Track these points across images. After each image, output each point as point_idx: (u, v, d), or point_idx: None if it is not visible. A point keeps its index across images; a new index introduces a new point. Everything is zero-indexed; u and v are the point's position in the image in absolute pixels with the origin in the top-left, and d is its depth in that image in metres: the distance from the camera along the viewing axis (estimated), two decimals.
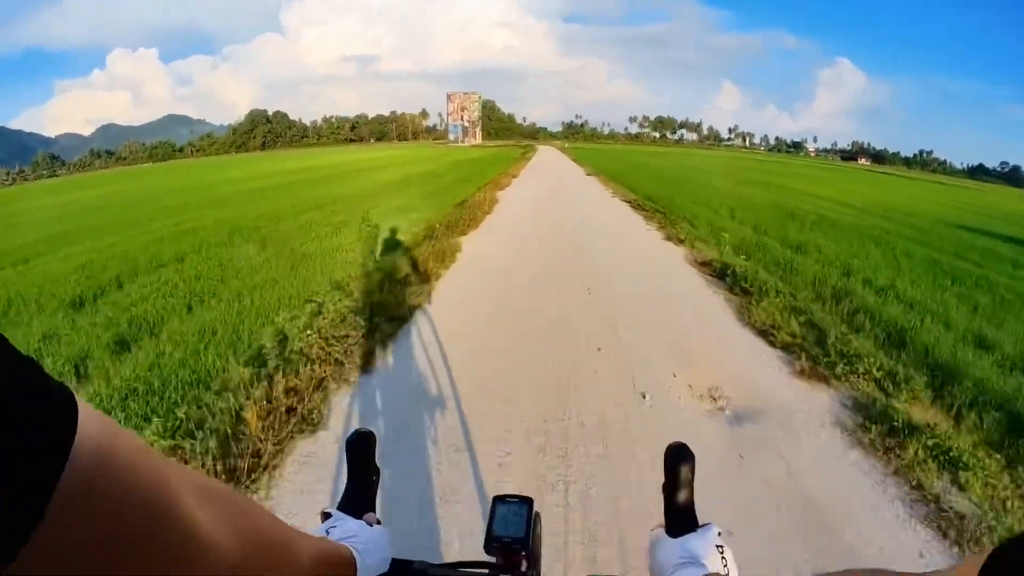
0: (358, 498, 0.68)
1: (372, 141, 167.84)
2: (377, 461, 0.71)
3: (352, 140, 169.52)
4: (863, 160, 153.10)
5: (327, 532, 0.60)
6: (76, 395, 0.24)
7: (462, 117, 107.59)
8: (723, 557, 0.58)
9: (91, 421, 0.24)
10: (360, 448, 0.70)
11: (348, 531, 0.60)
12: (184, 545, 0.29)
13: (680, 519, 0.62)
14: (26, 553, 0.21)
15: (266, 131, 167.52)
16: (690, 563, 0.57)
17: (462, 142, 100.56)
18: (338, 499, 0.68)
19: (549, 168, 26.80)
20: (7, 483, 0.20)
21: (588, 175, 20.21)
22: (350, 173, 23.58)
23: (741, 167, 37.75)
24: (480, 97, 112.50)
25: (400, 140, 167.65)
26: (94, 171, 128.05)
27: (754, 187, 18.57)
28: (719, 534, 0.61)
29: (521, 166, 26.23)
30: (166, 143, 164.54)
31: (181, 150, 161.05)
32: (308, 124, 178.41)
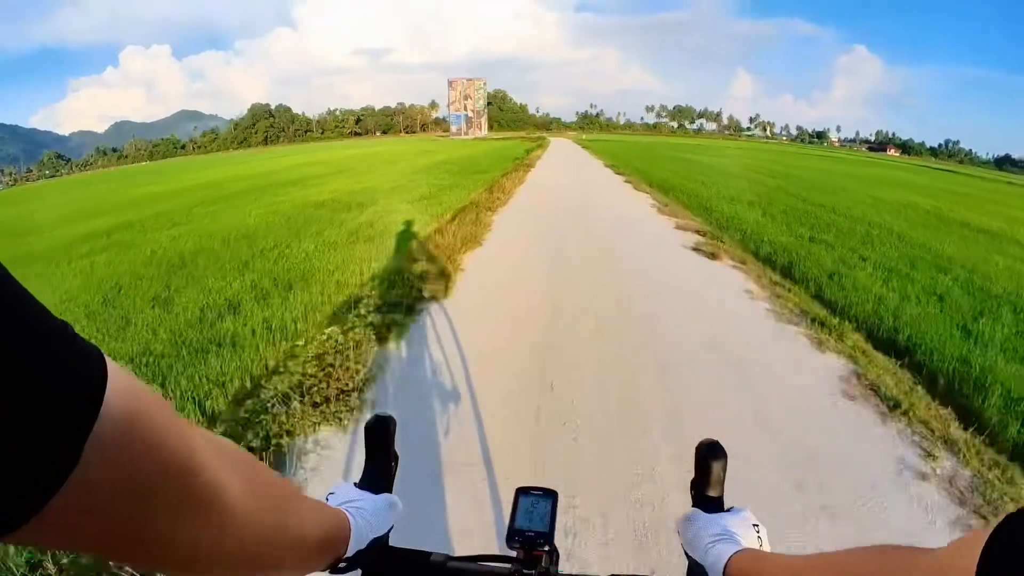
0: (376, 479, 0.65)
1: (378, 134, 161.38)
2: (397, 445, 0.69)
3: (357, 133, 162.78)
4: (892, 151, 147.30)
5: (327, 499, 0.60)
6: (106, 356, 0.25)
7: (465, 107, 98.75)
8: (759, 537, 0.57)
9: (120, 382, 0.25)
10: (379, 432, 0.67)
11: (346, 497, 0.60)
12: (203, 499, 0.31)
13: (712, 504, 0.62)
14: (55, 505, 0.22)
15: (268, 126, 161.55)
16: (726, 538, 0.56)
17: (465, 134, 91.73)
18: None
19: (568, 186, 14.09)
20: (40, 437, 0.21)
21: (681, 229, 8.01)
22: (240, 195, 16.08)
23: (835, 172, 27.94)
24: (485, 83, 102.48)
25: (407, 132, 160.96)
26: (96, 170, 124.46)
27: (951, 233, 9.70)
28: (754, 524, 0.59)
29: (515, 185, 13.29)
30: (168, 140, 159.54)
31: (183, 147, 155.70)
32: (312, 118, 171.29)
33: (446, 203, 10.39)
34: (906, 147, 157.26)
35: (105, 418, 0.23)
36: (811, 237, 8.00)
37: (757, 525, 0.58)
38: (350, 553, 0.54)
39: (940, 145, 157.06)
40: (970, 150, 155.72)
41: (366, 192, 13.15)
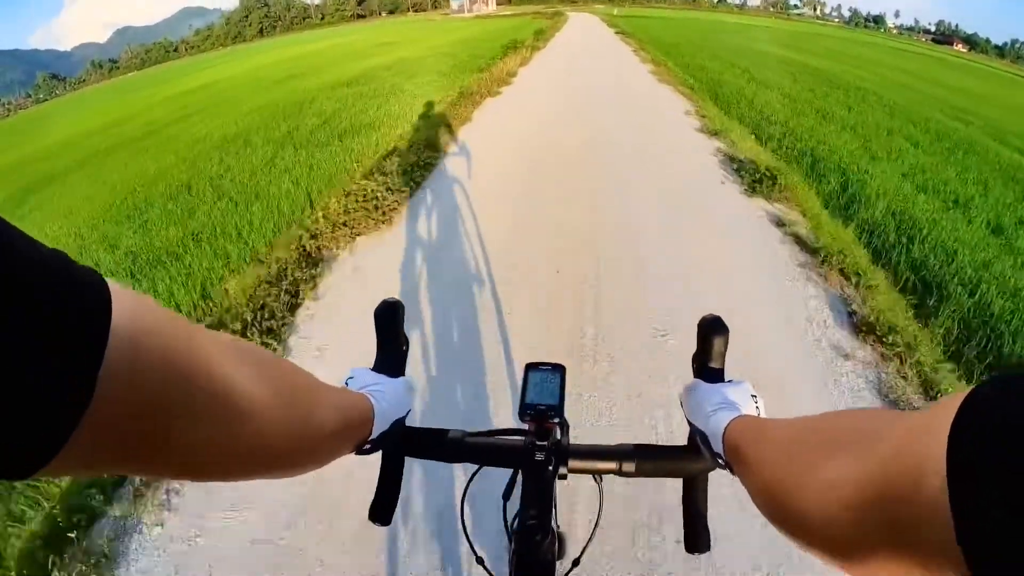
0: (390, 363, 0.67)
1: (383, 15, 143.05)
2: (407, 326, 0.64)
3: (360, 15, 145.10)
4: (959, 46, 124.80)
5: (346, 383, 0.61)
6: (106, 279, 0.24)
7: None
8: (757, 407, 0.59)
9: (124, 302, 0.24)
10: (388, 317, 0.68)
11: (366, 381, 0.61)
12: (224, 404, 0.31)
13: (713, 375, 0.64)
14: (77, 438, 0.22)
15: (262, 16, 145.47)
16: (726, 407, 0.58)
17: (468, 11, 75.84)
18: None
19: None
20: (52, 374, 0.21)
21: None
22: None
23: None
24: None
25: (416, 11, 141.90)
26: (90, 86, 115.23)
27: None
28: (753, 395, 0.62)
29: None
30: (160, 44, 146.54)
31: (176, 49, 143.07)
32: (310, 2, 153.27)
33: None
34: (971, 42, 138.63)
35: (114, 343, 0.23)
36: None
37: (755, 396, 0.59)
38: (374, 435, 0.56)
39: (1006, 44, 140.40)
40: None
41: None
